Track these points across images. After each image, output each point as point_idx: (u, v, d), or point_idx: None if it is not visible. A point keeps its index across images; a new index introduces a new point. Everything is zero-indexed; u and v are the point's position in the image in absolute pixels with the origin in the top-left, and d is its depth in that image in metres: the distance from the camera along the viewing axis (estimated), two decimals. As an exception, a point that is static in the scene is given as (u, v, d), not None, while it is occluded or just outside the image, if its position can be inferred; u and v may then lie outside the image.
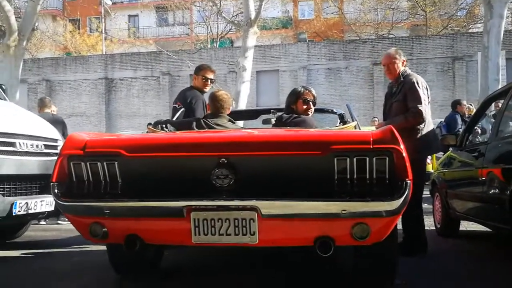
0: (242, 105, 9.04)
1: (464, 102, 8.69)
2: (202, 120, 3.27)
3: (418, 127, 3.74)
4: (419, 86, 3.75)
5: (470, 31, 25.27)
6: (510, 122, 3.80)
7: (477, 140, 4.66)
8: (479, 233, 5.00)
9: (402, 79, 3.83)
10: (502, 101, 4.24)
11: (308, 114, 3.40)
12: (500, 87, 10.55)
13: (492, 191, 3.47)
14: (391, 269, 2.64)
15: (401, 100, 3.79)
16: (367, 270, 2.73)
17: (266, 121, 4.21)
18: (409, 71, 3.91)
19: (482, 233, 4.94)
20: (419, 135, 3.75)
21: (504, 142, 3.52)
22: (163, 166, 2.26)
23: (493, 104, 6.59)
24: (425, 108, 3.72)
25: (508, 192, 3.16)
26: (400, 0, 27.42)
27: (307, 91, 3.47)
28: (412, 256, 3.59)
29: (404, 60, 3.92)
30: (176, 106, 4.25)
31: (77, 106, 24.13)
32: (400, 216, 3.49)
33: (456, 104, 8.54)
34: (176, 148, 2.31)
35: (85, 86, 24.50)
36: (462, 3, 27.48)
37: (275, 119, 3.61)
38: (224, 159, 2.14)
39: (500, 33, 9.52)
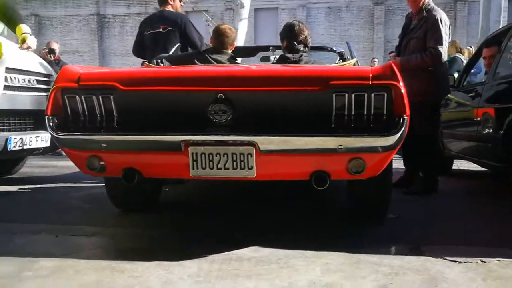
0: (240, 44, 8.83)
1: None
2: (203, 55, 3.16)
3: (435, 68, 3.63)
4: (442, 25, 3.58)
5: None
6: (509, 63, 3.76)
7: (474, 81, 4.64)
8: (471, 172, 5.17)
9: (424, 14, 3.65)
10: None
11: None
12: (501, 28, 10.21)
13: (487, 130, 3.51)
14: (385, 203, 2.69)
15: (421, 37, 3.63)
16: (361, 203, 2.78)
17: (264, 59, 4.14)
18: (432, 5, 3.71)
19: (474, 172, 5.12)
20: (435, 77, 3.66)
21: (501, 83, 3.51)
22: (159, 100, 2.22)
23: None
24: (445, 49, 3.60)
25: (502, 131, 3.20)
26: None
27: None
28: (418, 194, 3.64)
29: None
30: (161, 30, 4.03)
31: (69, 43, 23.53)
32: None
33: None
34: (172, 82, 2.26)
35: (76, 23, 23.79)
36: None
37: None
38: (221, 95, 2.10)
39: (504, -28, 9.24)
